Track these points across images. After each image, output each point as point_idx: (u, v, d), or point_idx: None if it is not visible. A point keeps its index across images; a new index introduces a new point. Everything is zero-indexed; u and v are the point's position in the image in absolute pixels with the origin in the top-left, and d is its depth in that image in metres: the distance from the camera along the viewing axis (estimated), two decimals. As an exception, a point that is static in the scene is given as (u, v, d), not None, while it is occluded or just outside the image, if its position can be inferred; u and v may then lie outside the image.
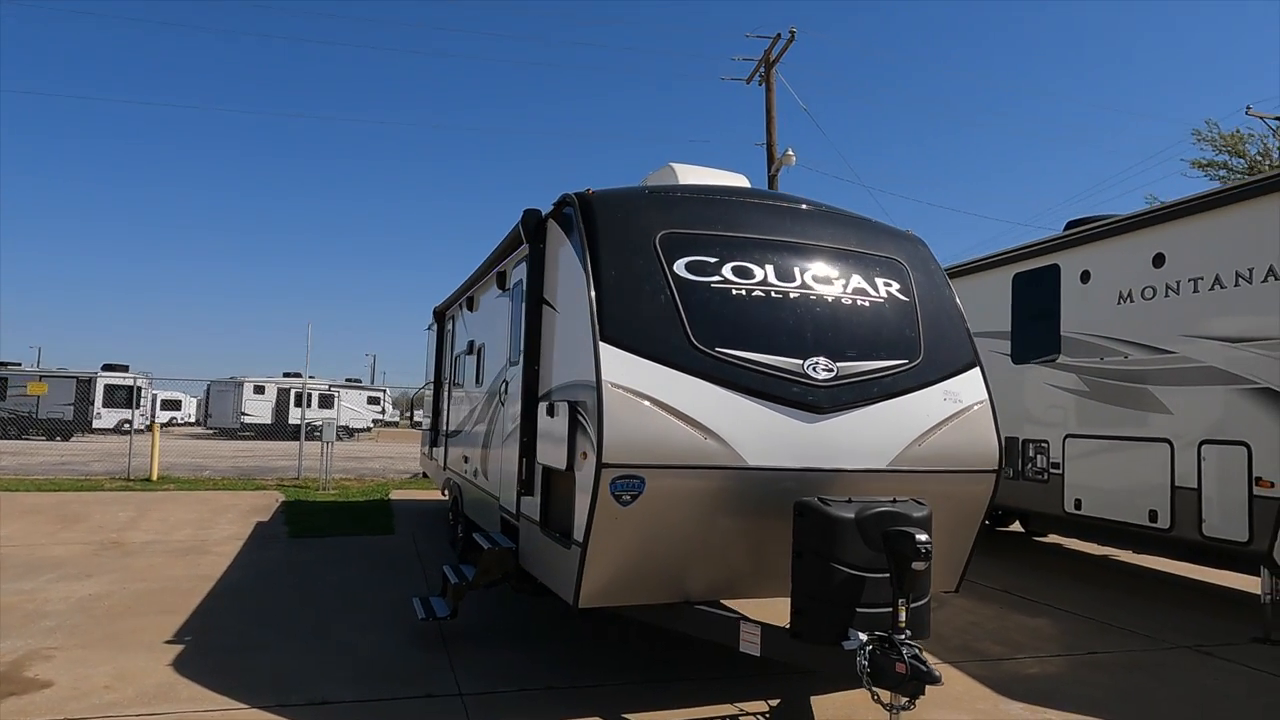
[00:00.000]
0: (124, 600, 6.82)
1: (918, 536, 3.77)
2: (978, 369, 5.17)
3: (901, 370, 4.88)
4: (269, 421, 39.57)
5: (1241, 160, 19.38)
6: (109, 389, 34.69)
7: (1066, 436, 8.62)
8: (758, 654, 4.37)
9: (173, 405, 48.43)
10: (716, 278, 4.73)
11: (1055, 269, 8.94)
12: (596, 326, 4.40)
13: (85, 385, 33.95)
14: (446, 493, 9.95)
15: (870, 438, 4.69)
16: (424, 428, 12.28)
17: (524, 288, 6.03)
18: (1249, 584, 8.04)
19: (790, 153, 18.23)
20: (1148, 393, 7.69)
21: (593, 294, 4.50)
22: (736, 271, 4.79)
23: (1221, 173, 19.78)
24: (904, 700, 3.79)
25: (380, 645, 5.75)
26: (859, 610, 3.98)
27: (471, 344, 8.56)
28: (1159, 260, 7.65)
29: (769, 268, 4.87)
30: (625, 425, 4.23)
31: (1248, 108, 22.94)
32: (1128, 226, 8.14)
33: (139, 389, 24.69)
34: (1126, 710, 4.97)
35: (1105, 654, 6.14)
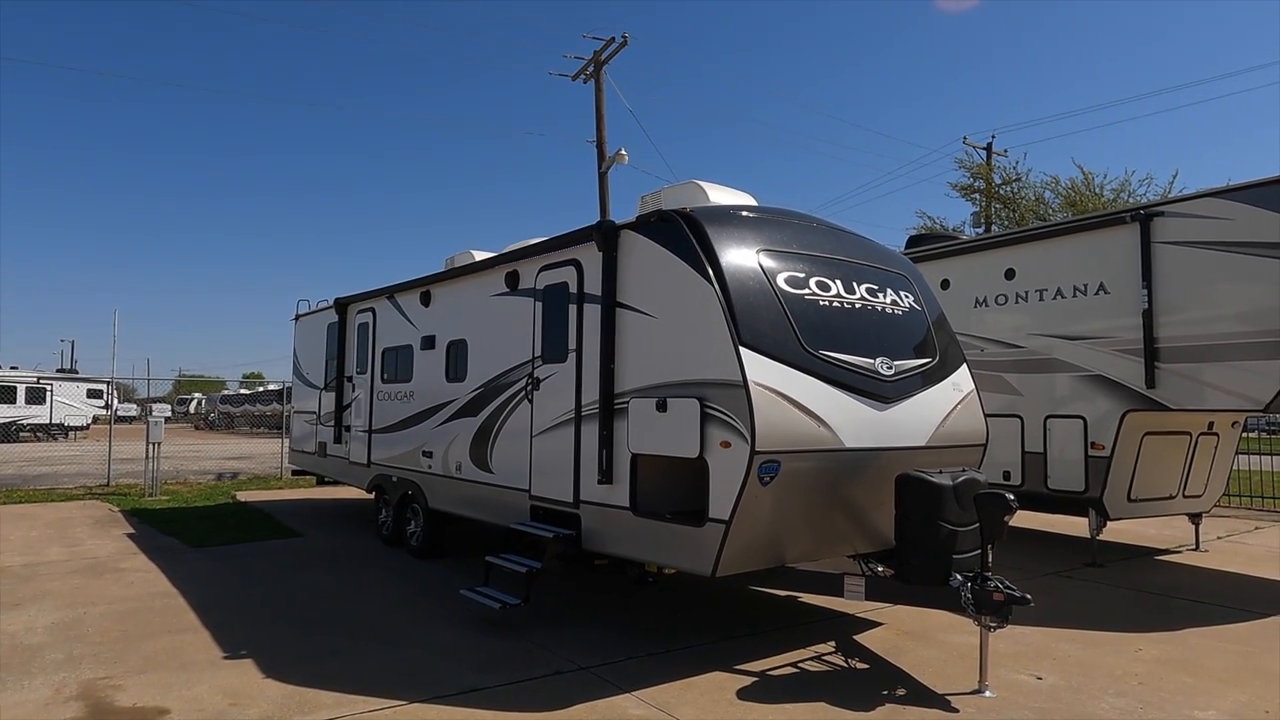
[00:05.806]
0: (107, 625, 6.17)
1: (1007, 496, 4.94)
2: (966, 364, 6.52)
3: (930, 366, 6.07)
4: (-46, 422, 33.24)
5: (983, 182, 23.86)
6: None
7: None
8: (862, 599, 5.35)
9: None
10: (808, 291, 5.58)
11: (918, 277, 10.80)
12: (735, 333, 5.07)
13: None
14: (373, 492, 9.75)
15: (917, 421, 5.83)
16: (310, 422, 11.65)
17: (574, 291, 6.43)
18: (1057, 524, 10.49)
19: (623, 151, 19.20)
20: (1001, 379, 9.71)
21: (723, 304, 5.15)
22: (818, 285, 5.67)
23: (975, 195, 24.14)
24: (998, 621, 4.95)
25: (459, 639, 5.89)
26: (954, 556, 5.10)
27: (432, 339, 8.57)
28: (1010, 274, 9.68)
29: (838, 282, 5.81)
30: (770, 417, 4.96)
31: (964, 138, 27.84)
32: (984, 246, 10.15)
33: None
34: (1061, 617, 6.61)
35: (1009, 584, 7.89)
